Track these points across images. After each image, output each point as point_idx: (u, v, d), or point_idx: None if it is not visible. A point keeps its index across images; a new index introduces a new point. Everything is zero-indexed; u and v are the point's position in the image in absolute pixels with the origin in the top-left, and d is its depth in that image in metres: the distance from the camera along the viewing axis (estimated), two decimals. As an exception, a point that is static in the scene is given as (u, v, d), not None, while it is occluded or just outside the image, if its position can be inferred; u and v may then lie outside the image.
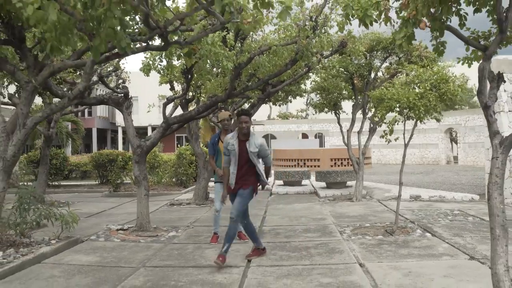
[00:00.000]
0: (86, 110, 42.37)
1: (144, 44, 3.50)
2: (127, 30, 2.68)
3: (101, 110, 45.82)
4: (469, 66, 4.93)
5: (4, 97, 12.14)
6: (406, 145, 7.68)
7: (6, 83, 11.92)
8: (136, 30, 3.18)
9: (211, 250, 6.51)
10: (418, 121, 7.64)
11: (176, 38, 4.20)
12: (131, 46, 2.86)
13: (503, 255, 3.35)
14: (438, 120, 7.67)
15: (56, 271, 5.69)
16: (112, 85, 11.03)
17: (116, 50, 3.12)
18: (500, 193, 3.42)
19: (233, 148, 5.84)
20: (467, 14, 3.78)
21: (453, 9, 3.65)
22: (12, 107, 13.82)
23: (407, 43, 4.01)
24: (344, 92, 12.12)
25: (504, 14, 3.30)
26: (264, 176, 6.04)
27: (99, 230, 8.20)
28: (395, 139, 7.43)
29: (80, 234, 7.66)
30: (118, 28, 2.52)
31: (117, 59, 11.51)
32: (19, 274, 5.53)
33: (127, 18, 2.67)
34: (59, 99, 5.82)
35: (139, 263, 6.02)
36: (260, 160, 6.04)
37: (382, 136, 7.78)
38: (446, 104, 7.35)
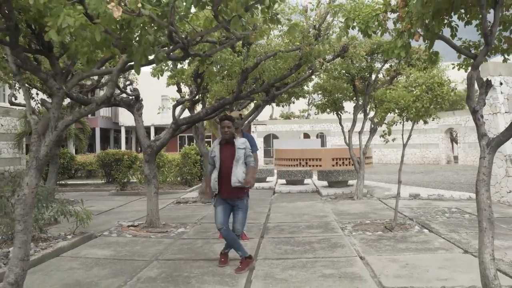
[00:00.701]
0: (89, 110, 42.64)
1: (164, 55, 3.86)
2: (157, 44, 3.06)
3: (104, 110, 46.09)
4: (465, 71, 5.32)
5: (15, 99, 12.58)
6: (404, 145, 8.04)
7: (17, 86, 12.32)
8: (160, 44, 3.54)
9: (219, 245, 6.83)
10: (417, 122, 8.02)
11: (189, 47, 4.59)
12: (165, 58, 3.24)
13: (489, 245, 3.71)
14: (425, 123, 8.03)
15: (75, 263, 6.07)
16: (120, 86, 11.42)
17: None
18: (487, 190, 3.78)
19: (214, 155, 5.84)
20: (457, 26, 4.13)
21: (445, 21, 4.00)
22: (19, 107, 14.25)
23: (404, 52, 4.37)
24: (345, 92, 12.49)
25: (489, 29, 3.66)
26: (243, 179, 5.71)
27: (111, 227, 8.56)
28: (393, 140, 7.80)
29: (93, 230, 8.05)
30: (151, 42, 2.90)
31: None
32: (41, 266, 5.92)
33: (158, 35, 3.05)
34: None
35: (152, 256, 6.39)
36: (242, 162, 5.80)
37: (381, 136, 8.15)
38: (441, 106, 7.70)
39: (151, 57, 3.45)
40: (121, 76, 11.88)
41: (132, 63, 3.87)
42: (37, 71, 3.87)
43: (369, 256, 6.10)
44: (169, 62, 7.16)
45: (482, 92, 4.02)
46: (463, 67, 5.53)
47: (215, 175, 5.80)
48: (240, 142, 5.84)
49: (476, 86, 4.15)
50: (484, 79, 4.08)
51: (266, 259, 6.08)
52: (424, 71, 9.20)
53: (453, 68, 6.00)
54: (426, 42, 5.15)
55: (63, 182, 17.76)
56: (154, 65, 7.46)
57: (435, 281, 4.88)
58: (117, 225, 8.66)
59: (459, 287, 4.65)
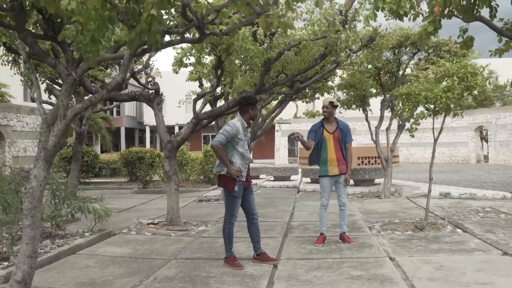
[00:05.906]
0: (114, 110, 42.95)
1: (179, 38, 3.59)
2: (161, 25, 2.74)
3: (129, 109, 46.45)
4: (500, 56, 5.04)
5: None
6: (435, 140, 7.59)
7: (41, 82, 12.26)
8: (172, 23, 3.26)
9: (240, 244, 6.55)
10: (447, 118, 7.51)
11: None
12: (162, 42, 2.93)
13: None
14: (454, 115, 7.53)
15: (91, 261, 5.86)
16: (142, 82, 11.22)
17: (152, 43, 3.20)
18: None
19: (246, 138, 5.51)
20: (497, 5, 3.75)
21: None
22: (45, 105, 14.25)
23: (432, 28, 4.08)
24: (371, 89, 12.05)
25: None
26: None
27: (130, 224, 8.36)
28: (413, 129, 7.31)
29: (112, 227, 7.85)
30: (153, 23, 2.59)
31: (148, 56, 11.72)
32: (56, 263, 5.72)
33: (163, 12, 2.74)
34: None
35: (170, 255, 6.14)
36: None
37: (407, 130, 7.64)
38: (475, 97, 7.25)
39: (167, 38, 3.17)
40: (142, 72, 11.70)
41: (146, 46, 3.60)
42: (45, 56, 3.65)
43: (400, 257, 5.71)
44: (188, 53, 6.85)
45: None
46: (500, 53, 5.17)
47: (239, 159, 5.43)
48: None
49: None
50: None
51: (290, 259, 5.76)
52: (453, 62, 8.68)
53: (491, 55, 5.60)
54: (460, 28, 4.80)
55: (87, 180, 17.72)
56: (174, 55, 7.20)
57: (473, 285, 4.48)
58: (136, 223, 8.46)
59: (501, 292, 4.24)
